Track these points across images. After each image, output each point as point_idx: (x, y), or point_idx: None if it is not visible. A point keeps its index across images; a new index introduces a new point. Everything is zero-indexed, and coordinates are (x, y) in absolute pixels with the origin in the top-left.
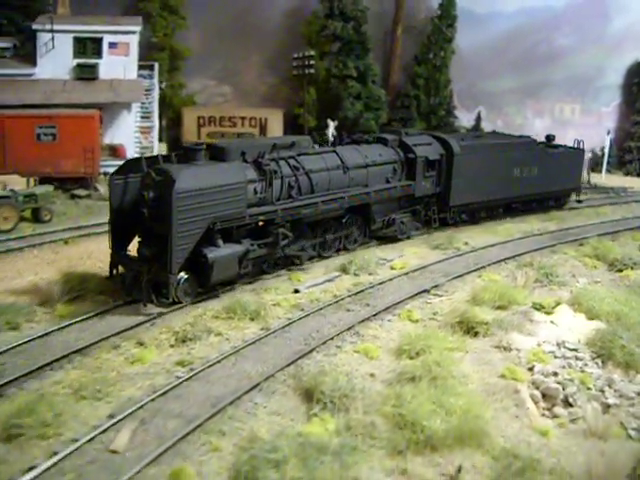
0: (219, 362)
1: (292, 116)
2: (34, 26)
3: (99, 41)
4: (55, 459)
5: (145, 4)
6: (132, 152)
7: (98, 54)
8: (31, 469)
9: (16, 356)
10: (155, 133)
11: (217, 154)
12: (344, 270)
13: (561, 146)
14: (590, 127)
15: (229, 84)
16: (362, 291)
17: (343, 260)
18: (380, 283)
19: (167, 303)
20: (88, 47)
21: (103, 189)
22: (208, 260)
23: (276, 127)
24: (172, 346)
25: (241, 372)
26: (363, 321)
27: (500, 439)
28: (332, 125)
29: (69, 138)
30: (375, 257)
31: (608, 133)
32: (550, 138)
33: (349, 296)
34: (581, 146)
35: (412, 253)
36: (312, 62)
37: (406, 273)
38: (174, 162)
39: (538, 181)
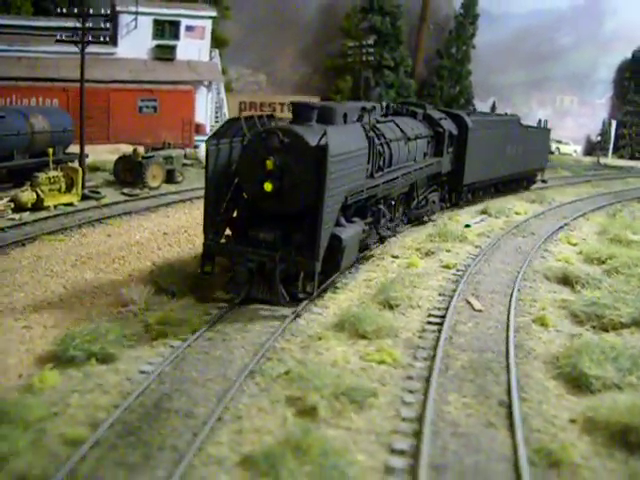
0: (473, 263)
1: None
2: (118, 8)
3: (177, 24)
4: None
5: None
6: (209, 130)
7: (176, 36)
8: None
9: None
10: (225, 111)
11: (324, 115)
12: (486, 212)
13: (530, 126)
14: (586, 116)
15: (264, 73)
16: (517, 226)
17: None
18: (524, 222)
19: (307, 298)
20: (167, 29)
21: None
22: (342, 242)
23: None
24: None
25: (495, 270)
26: (543, 243)
27: None
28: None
29: (168, 111)
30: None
31: (610, 122)
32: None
33: (512, 229)
34: (547, 126)
35: (519, 205)
36: (371, 50)
37: (534, 216)
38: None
39: (522, 159)
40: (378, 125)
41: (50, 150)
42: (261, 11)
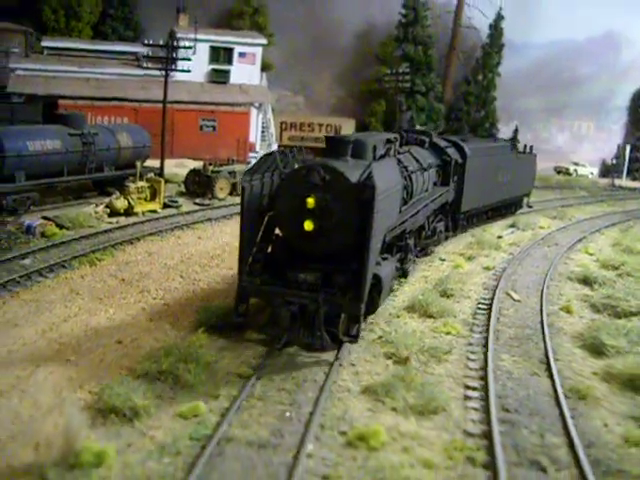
0: (508, 266)
1: (361, 124)
2: (178, 35)
3: (231, 51)
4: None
5: (237, 21)
6: (258, 148)
7: (229, 61)
8: None
9: None
10: (272, 131)
11: (357, 149)
12: (514, 226)
13: (520, 152)
14: (602, 141)
15: (302, 95)
16: (542, 238)
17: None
18: (548, 234)
19: (351, 342)
20: (221, 55)
21: None
22: (381, 281)
23: (348, 133)
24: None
25: (527, 271)
26: (565, 252)
27: None
28: None
29: (226, 130)
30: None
31: (624, 146)
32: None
33: (539, 240)
34: (532, 151)
35: (543, 221)
36: (407, 77)
37: (557, 230)
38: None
39: (512, 185)
40: (399, 156)
41: (138, 164)
42: (301, 37)
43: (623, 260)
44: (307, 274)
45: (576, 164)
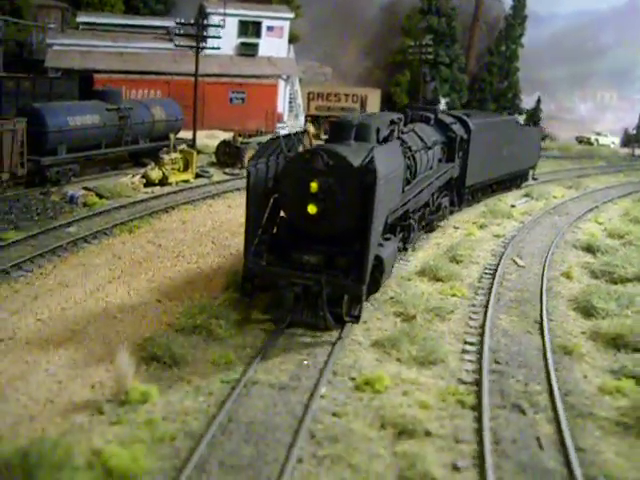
0: (517, 234)
1: (386, 94)
2: (208, 9)
3: (259, 24)
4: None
5: None
6: (286, 118)
7: (258, 35)
8: None
9: None
10: (299, 102)
11: (361, 133)
12: (528, 195)
13: (525, 125)
14: (625, 111)
15: (329, 66)
16: (554, 207)
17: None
18: (560, 204)
19: (353, 322)
20: (250, 29)
21: None
22: (383, 262)
23: (374, 103)
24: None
25: (535, 239)
26: (574, 221)
27: None
28: (443, 102)
29: (255, 102)
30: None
31: None
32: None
33: (550, 209)
34: (538, 125)
35: (558, 190)
36: (430, 49)
37: (570, 200)
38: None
39: (517, 158)
40: (403, 136)
41: (172, 136)
42: (327, 9)
43: (629, 230)
44: (310, 256)
45: (598, 134)
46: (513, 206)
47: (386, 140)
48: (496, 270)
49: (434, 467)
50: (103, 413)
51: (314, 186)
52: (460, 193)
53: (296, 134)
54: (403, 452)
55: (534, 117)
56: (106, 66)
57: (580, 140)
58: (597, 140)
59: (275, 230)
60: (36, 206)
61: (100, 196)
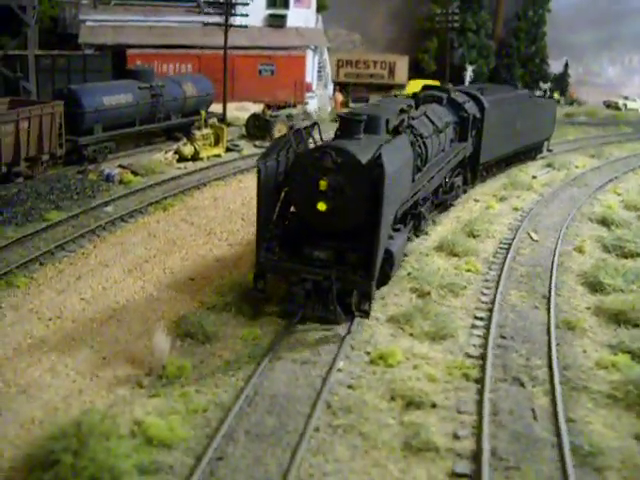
0: (535, 207)
1: (414, 61)
2: None
3: None
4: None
5: None
6: (315, 88)
7: (286, 6)
8: None
9: None
10: (328, 71)
11: (370, 126)
12: (551, 166)
13: (540, 97)
14: None
15: (358, 33)
16: (574, 179)
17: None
18: (581, 174)
19: (363, 317)
20: (278, 0)
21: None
22: (393, 256)
23: (402, 70)
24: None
25: (552, 212)
26: (593, 192)
27: None
28: (469, 69)
29: (283, 73)
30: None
31: None
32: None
33: (570, 180)
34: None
35: (580, 160)
36: (456, 18)
37: (591, 170)
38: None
39: (531, 131)
40: (413, 122)
41: (202, 112)
42: None
43: None
44: (321, 252)
45: (625, 98)
46: (534, 177)
47: (397, 130)
48: (511, 245)
49: (437, 436)
50: (143, 387)
51: (323, 184)
52: (474, 170)
53: (306, 128)
54: (410, 422)
55: (561, 82)
56: (138, 41)
57: (608, 105)
58: (625, 105)
59: (287, 224)
60: (75, 186)
61: (135, 173)
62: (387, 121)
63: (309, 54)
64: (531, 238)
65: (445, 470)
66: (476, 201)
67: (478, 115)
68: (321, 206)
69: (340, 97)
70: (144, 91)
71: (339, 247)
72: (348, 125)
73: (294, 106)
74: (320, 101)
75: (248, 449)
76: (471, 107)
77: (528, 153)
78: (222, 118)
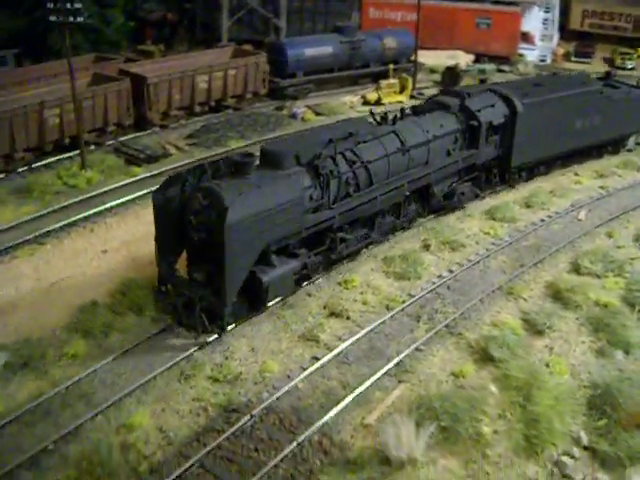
0: (619, 189)
1: None
2: None
3: None
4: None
5: None
6: (538, 39)
7: None
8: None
9: None
10: (556, 24)
11: (270, 160)
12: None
13: (625, 84)
14: None
15: None
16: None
17: None
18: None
19: (218, 333)
20: None
21: (522, 68)
22: (263, 285)
23: None
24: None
25: (625, 197)
26: None
27: None
28: None
29: (498, 27)
30: None
31: None
32: (611, 75)
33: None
34: None
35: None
36: None
37: None
38: (222, 175)
39: (600, 129)
40: (358, 147)
41: (391, 66)
42: None
43: None
44: (198, 273)
45: None
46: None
47: (309, 164)
48: (552, 218)
49: (325, 334)
50: None
51: (193, 221)
52: (503, 173)
53: (212, 163)
54: (319, 323)
55: None
56: None
57: None
58: None
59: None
60: (262, 120)
61: (317, 113)
62: (297, 156)
63: (533, 9)
64: (577, 218)
65: (312, 354)
66: (577, 175)
67: (501, 120)
68: (194, 237)
69: (561, 50)
70: (344, 45)
71: (211, 271)
72: (238, 166)
73: (507, 58)
74: (541, 52)
75: None
76: (492, 112)
77: (598, 149)
78: (413, 70)
